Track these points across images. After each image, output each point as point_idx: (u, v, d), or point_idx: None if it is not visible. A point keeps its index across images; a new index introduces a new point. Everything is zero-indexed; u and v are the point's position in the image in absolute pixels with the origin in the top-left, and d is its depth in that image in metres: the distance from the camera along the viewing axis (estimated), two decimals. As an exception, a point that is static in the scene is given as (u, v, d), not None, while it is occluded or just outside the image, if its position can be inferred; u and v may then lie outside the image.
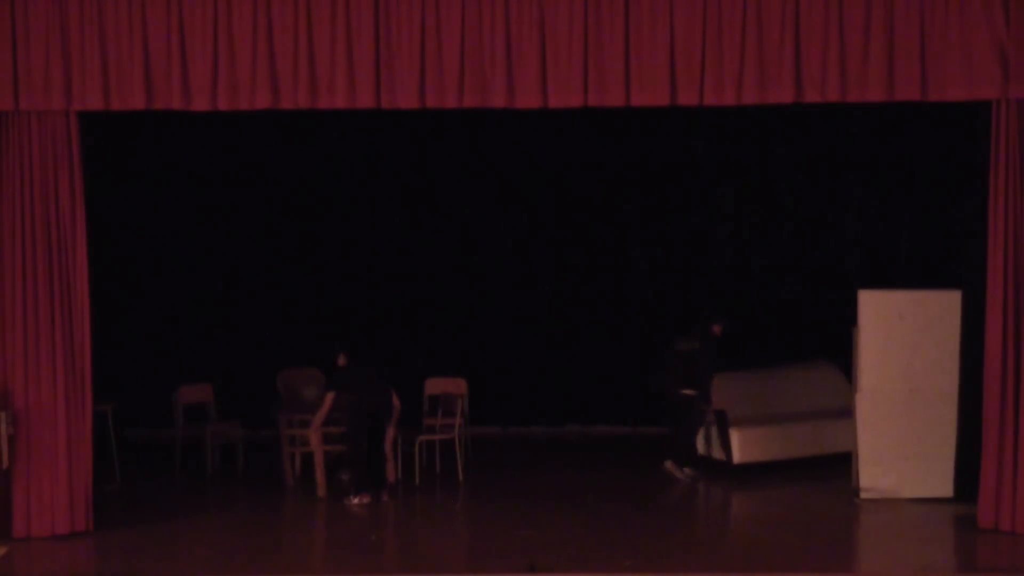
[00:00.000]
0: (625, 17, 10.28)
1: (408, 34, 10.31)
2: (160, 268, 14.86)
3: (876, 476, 11.52)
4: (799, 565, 9.73)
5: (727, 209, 15.26)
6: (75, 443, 10.47)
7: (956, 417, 11.36)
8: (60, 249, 10.42)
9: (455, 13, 10.30)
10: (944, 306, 11.45)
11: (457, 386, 13.30)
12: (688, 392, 12.76)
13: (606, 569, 9.59)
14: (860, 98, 10.30)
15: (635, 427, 15.29)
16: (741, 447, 12.69)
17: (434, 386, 13.48)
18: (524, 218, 15.27)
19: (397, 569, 9.78)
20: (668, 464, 12.75)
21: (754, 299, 15.09)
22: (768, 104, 10.45)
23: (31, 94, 10.27)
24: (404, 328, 15.01)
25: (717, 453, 12.94)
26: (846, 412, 12.15)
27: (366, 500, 11.80)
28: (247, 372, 14.51)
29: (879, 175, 14.86)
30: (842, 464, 12.08)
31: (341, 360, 12.25)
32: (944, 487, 11.42)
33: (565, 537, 10.47)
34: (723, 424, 12.82)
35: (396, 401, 12.12)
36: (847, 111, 11.61)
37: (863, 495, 11.51)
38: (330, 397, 11.98)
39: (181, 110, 10.41)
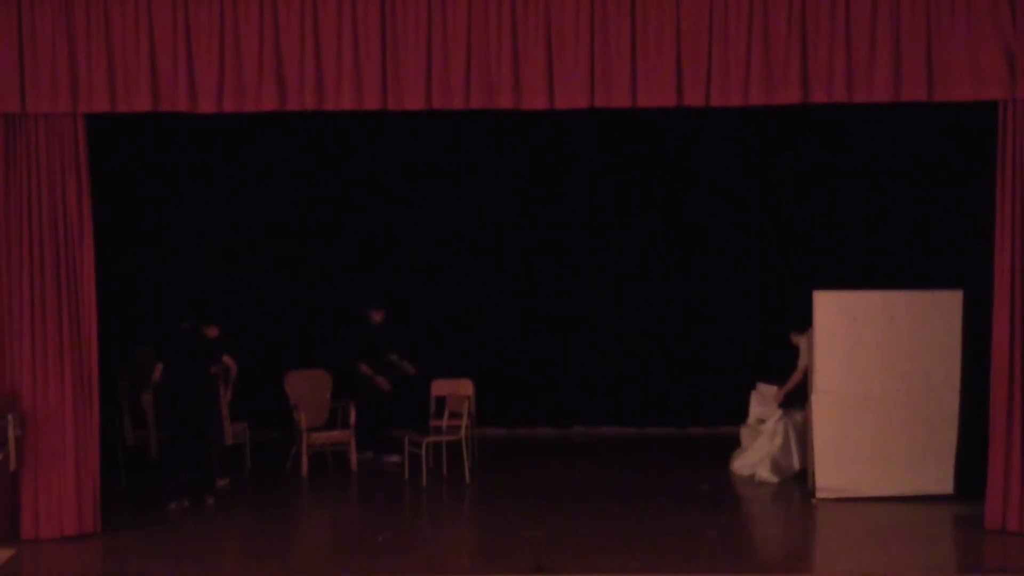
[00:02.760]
0: (631, 18, 10.27)
1: (414, 35, 10.29)
2: (166, 269, 14.86)
3: (832, 476, 11.57)
4: (802, 565, 9.72)
5: (732, 210, 15.24)
6: (82, 444, 10.49)
7: (914, 416, 11.49)
8: (67, 251, 10.43)
9: (461, 15, 10.29)
10: (900, 307, 11.57)
11: (463, 387, 13.32)
12: None
13: (613, 570, 9.59)
14: (867, 99, 10.28)
15: (641, 428, 15.30)
16: None
17: (440, 387, 13.50)
18: (531, 219, 15.26)
19: (404, 570, 9.78)
20: None
21: (756, 299, 15.09)
22: (775, 105, 10.44)
23: (38, 96, 10.28)
24: (411, 329, 15.01)
25: None
26: None
27: (185, 504, 11.66)
28: (253, 374, 14.52)
29: (885, 175, 14.85)
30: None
31: (184, 324, 12.19)
32: (900, 486, 11.51)
33: (572, 538, 10.47)
34: None
35: (230, 361, 12.28)
36: (853, 111, 11.59)
37: (819, 495, 11.56)
38: (159, 368, 11.89)
39: (187, 112, 10.42)
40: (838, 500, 11.49)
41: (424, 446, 12.63)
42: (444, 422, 12.94)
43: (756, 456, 12.64)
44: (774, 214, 15.19)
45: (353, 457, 13.22)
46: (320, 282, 15.17)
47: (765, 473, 12.47)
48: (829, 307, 11.63)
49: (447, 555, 10.55)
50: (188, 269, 14.85)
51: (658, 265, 15.24)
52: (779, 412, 12.61)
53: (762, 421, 12.84)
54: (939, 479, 11.53)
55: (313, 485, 12.71)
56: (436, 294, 15.18)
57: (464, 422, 12.74)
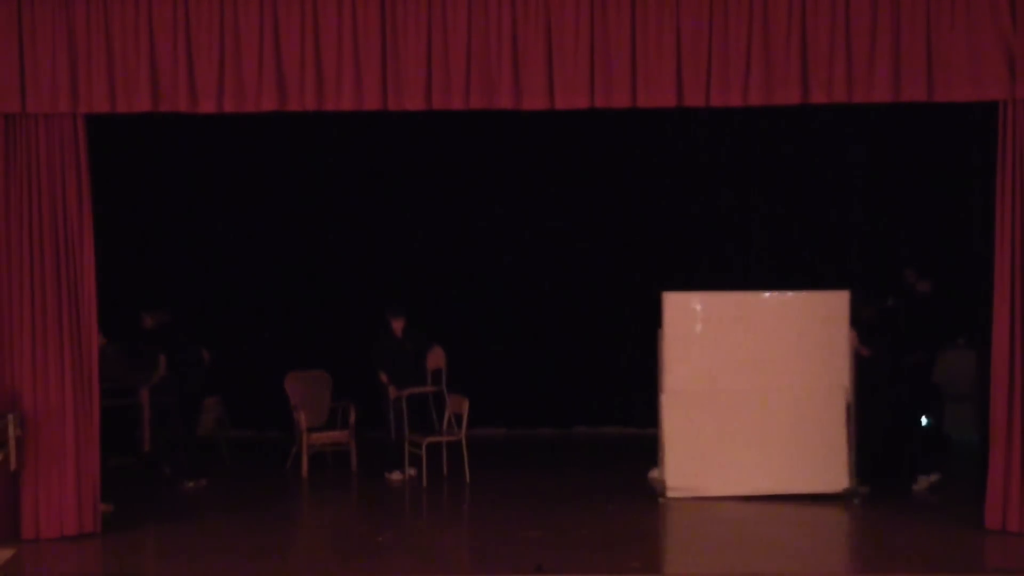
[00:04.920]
0: (631, 18, 10.27)
1: (415, 36, 10.30)
2: (166, 270, 14.87)
3: (681, 476, 11.65)
4: (805, 565, 9.71)
5: (732, 210, 15.26)
6: (83, 444, 10.48)
7: (763, 415, 11.61)
8: (67, 251, 10.43)
9: (461, 15, 10.29)
10: (747, 307, 11.75)
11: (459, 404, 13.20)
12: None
13: (613, 570, 9.59)
14: (866, 99, 10.28)
15: (642, 428, 15.28)
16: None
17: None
18: (532, 219, 15.28)
19: (404, 569, 9.79)
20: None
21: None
22: (774, 105, 10.45)
23: (38, 97, 10.27)
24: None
25: None
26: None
27: (203, 483, 12.28)
28: (253, 374, 14.55)
29: (884, 175, 14.88)
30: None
31: (148, 321, 12.62)
32: (749, 484, 11.60)
33: (572, 538, 10.47)
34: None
35: (205, 353, 12.75)
36: (853, 111, 11.59)
37: (669, 494, 11.62)
38: (163, 360, 12.30)
39: (187, 112, 10.42)
40: (687, 499, 11.55)
41: (424, 446, 12.63)
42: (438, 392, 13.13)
43: None
44: (772, 215, 15.21)
45: (353, 458, 13.23)
46: (320, 282, 15.18)
47: None
48: (678, 308, 11.74)
49: (447, 555, 10.55)
50: (185, 268, 14.88)
51: (657, 264, 15.24)
52: None
53: None
54: (830, 477, 11.57)
55: (313, 485, 12.72)
56: (436, 293, 15.18)
57: (464, 409, 12.72)
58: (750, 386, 11.66)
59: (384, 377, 12.99)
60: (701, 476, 11.65)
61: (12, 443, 10.24)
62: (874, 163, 14.86)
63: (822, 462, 11.59)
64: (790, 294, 11.86)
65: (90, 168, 10.49)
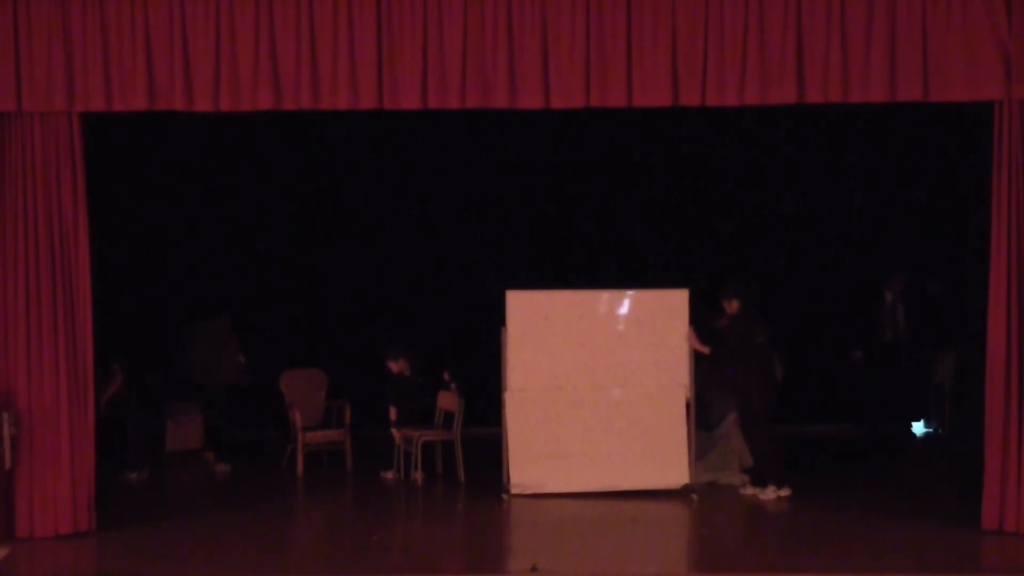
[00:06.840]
0: (627, 18, 10.28)
1: (410, 34, 10.30)
2: (161, 269, 14.85)
3: (523, 472, 11.74)
4: (799, 565, 9.72)
5: (729, 208, 15.27)
6: (78, 443, 10.47)
7: (605, 412, 11.74)
8: (63, 250, 10.41)
9: (457, 14, 10.30)
10: (589, 304, 11.88)
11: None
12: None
13: (609, 570, 9.58)
14: (862, 99, 10.29)
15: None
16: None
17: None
18: (527, 217, 15.27)
19: (398, 569, 9.79)
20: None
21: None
22: (770, 104, 10.45)
23: (34, 95, 10.25)
24: (405, 328, 15.02)
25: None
26: None
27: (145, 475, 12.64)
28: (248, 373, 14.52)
29: (880, 174, 14.91)
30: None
31: None
32: (591, 481, 11.72)
33: (565, 538, 10.47)
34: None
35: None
36: (850, 110, 11.60)
37: (512, 490, 11.71)
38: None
39: (184, 111, 10.41)
40: (531, 496, 11.65)
41: (417, 444, 12.62)
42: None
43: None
44: (770, 213, 15.23)
45: (349, 457, 13.22)
46: (315, 281, 15.16)
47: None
48: (522, 306, 11.83)
49: (441, 554, 10.55)
50: (182, 267, 14.85)
51: (653, 262, 15.24)
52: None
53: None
54: (671, 474, 11.72)
55: (309, 484, 12.72)
56: (430, 292, 15.18)
57: (457, 420, 12.71)
58: (592, 383, 11.79)
59: (393, 414, 12.91)
60: (544, 473, 11.74)
61: (6, 441, 10.24)
62: (871, 163, 14.88)
63: (663, 459, 11.72)
64: (631, 292, 11.99)
65: (85, 167, 10.47)
